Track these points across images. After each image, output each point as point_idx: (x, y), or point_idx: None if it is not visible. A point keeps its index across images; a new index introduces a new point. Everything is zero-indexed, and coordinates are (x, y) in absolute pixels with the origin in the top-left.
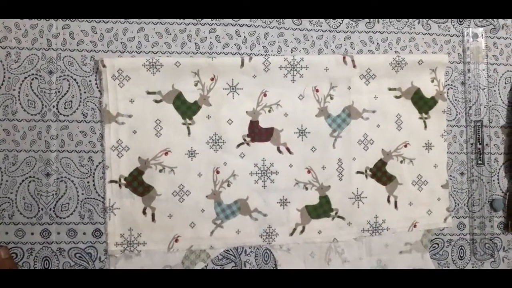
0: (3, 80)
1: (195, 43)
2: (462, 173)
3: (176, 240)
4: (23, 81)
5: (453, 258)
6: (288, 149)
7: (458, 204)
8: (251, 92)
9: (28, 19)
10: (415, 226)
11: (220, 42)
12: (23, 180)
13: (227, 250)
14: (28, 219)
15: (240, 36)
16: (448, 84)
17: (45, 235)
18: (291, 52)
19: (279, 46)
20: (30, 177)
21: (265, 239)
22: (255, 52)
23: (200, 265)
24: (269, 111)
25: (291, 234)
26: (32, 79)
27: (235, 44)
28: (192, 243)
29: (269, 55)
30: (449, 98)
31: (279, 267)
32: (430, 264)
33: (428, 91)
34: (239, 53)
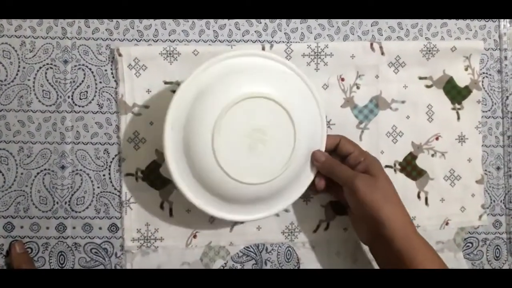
0: (18, 70)
1: (213, 30)
2: (498, 168)
3: (194, 236)
4: (38, 71)
5: (488, 258)
6: None
7: (494, 201)
8: None
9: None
10: (447, 223)
11: (239, 30)
12: (38, 173)
13: (248, 247)
14: (43, 213)
15: (260, 22)
16: (483, 73)
17: (60, 230)
18: (315, 39)
19: (302, 33)
20: (45, 169)
21: (287, 236)
22: (277, 40)
23: (219, 262)
24: None
25: (315, 231)
26: (47, 69)
27: (255, 31)
28: (211, 239)
29: (291, 42)
30: (484, 88)
31: (302, 266)
32: (464, 264)
33: (462, 80)
34: (259, 40)
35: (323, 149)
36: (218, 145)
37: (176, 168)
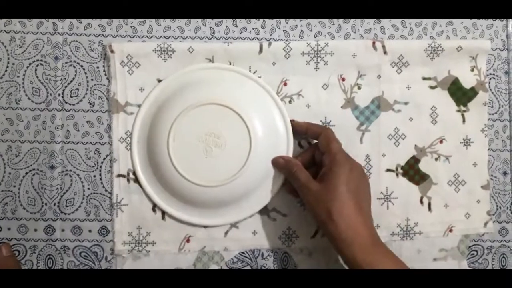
0: (7, 67)
1: (210, 27)
2: (505, 173)
3: (188, 241)
4: (27, 67)
5: (494, 267)
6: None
7: (500, 207)
8: (270, 80)
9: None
10: (451, 230)
11: (237, 26)
12: (26, 173)
13: (243, 253)
14: (32, 215)
15: (258, 19)
16: (490, 74)
17: (49, 232)
18: (315, 37)
19: (301, 30)
20: (34, 169)
21: (284, 242)
22: (275, 37)
23: (213, 268)
24: (290, 101)
25: (313, 236)
26: (37, 65)
27: (253, 28)
28: (204, 244)
29: (290, 40)
30: (491, 89)
31: None
32: None
33: (468, 81)
34: (257, 38)
35: (290, 146)
36: (173, 151)
37: (144, 178)
